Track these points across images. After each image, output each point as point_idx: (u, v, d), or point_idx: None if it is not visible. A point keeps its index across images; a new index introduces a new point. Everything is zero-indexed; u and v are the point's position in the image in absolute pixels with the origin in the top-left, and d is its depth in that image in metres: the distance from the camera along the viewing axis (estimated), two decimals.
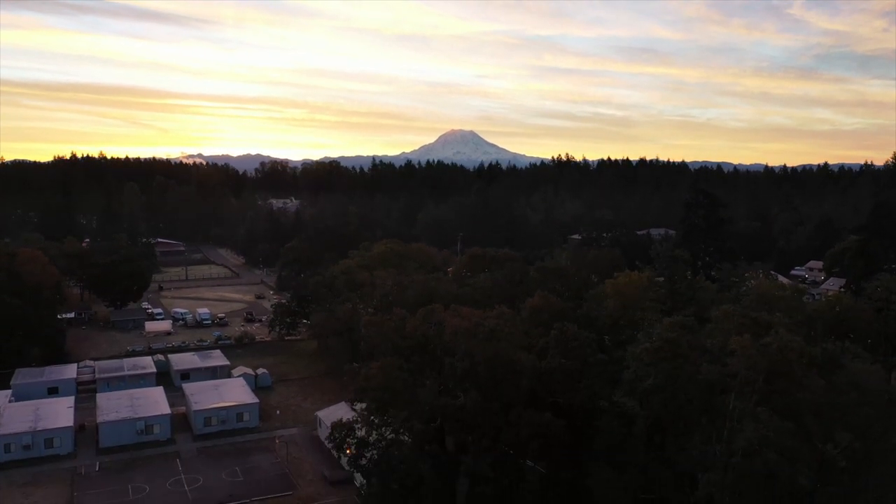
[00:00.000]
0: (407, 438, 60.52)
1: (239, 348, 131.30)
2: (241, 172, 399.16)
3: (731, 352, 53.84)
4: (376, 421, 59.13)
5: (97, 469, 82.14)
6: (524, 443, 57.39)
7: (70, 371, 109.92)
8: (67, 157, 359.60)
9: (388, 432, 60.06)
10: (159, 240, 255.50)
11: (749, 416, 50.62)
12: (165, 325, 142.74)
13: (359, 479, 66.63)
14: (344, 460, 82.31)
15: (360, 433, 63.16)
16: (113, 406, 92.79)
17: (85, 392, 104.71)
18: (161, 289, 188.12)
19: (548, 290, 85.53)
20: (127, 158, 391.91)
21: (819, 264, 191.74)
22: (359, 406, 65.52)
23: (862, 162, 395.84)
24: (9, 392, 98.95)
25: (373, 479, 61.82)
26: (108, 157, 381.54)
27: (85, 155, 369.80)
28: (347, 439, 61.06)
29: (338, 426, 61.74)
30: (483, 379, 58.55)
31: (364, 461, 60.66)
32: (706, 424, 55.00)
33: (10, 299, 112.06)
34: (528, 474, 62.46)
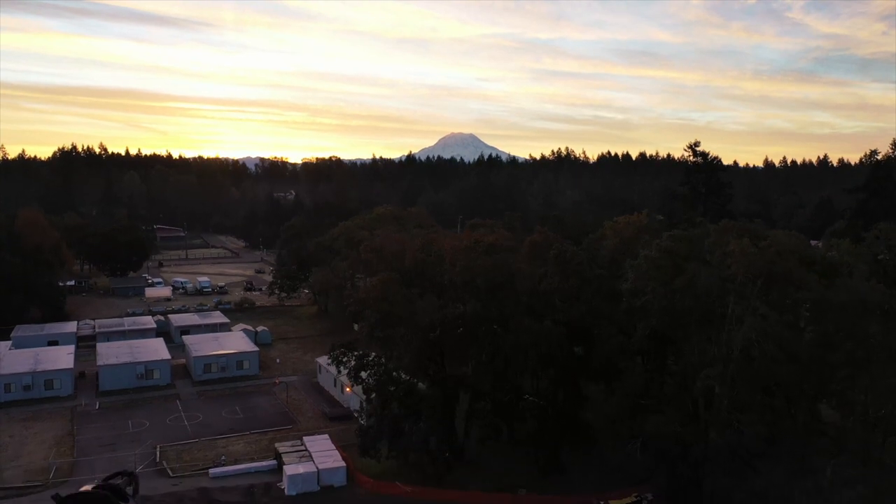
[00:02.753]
0: (407, 356, 60.54)
1: (239, 312, 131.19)
2: (240, 163, 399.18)
3: (729, 253, 53.85)
4: (378, 335, 59.08)
5: (97, 408, 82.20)
6: (524, 352, 57.32)
7: (70, 327, 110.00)
8: (69, 149, 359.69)
9: (387, 349, 60.08)
10: (159, 226, 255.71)
11: (748, 313, 50.62)
12: (165, 291, 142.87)
13: (358, 398, 66.45)
14: (344, 397, 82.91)
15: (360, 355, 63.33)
16: (113, 353, 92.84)
17: (85, 346, 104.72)
18: (161, 265, 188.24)
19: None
20: (127, 151, 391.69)
21: (819, 244, 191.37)
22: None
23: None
24: (9, 343, 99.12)
25: (373, 396, 61.88)
26: (109, 151, 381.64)
27: (86, 146, 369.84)
28: (348, 355, 61.01)
29: (338, 344, 61.71)
30: (482, 290, 58.58)
31: (364, 376, 60.63)
32: (705, 329, 55.01)
33: (9, 257, 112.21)
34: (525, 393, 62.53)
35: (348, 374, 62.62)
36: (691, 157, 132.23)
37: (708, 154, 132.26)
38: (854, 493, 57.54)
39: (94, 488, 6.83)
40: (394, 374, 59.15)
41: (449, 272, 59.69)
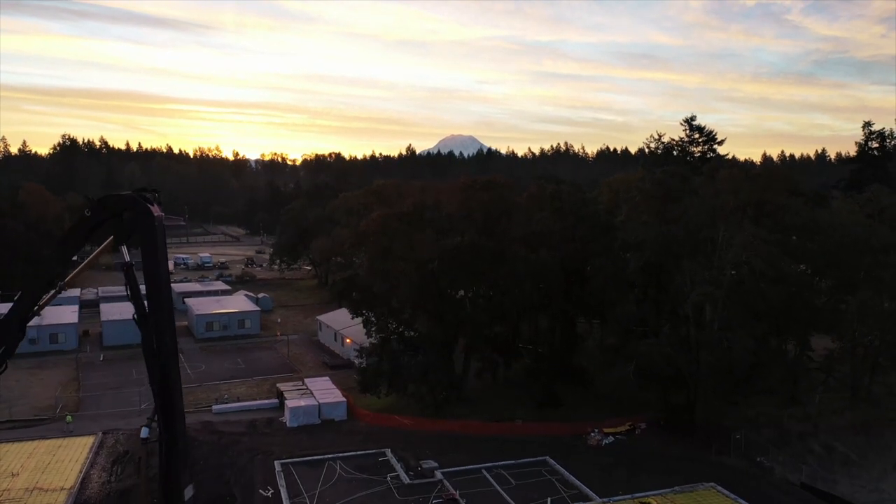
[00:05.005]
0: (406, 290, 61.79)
1: (239, 284, 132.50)
2: (241, 156, 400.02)
3: (720, 180, 55.35)
4: (378, 267, 60.36)
5: (101, 359, 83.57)
6: (520, 284, 58.65)
7: (73, 292, 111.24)
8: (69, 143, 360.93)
9: (387, 282, 61.34)
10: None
11: (738, 234, 52.05)
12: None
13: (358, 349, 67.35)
14: (344, 349, 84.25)
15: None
16: (116, 311, 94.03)
17: (88, 311, 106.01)
18: None
19: None
20: (128, 145, 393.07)
21: None
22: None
23: None
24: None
25: (372, 330, 63.18)
26: (111, 145, 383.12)
27: (87, 139, 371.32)
28: (348, 288, 62.33)
29: (340, 279, 63.05)
30: (479, 223, 59.90)
31: (364, 309, 61.95)
32: (697, 258, 56.42)
33: (13, 225, 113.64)
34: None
35: (350, 306, 63.78)
36: (687, 131, 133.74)
37: (704, 127, 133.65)
38: (843, 420, 59.12)
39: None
40: (394, 304, 60.44)
41: (447, 207, 61.01)
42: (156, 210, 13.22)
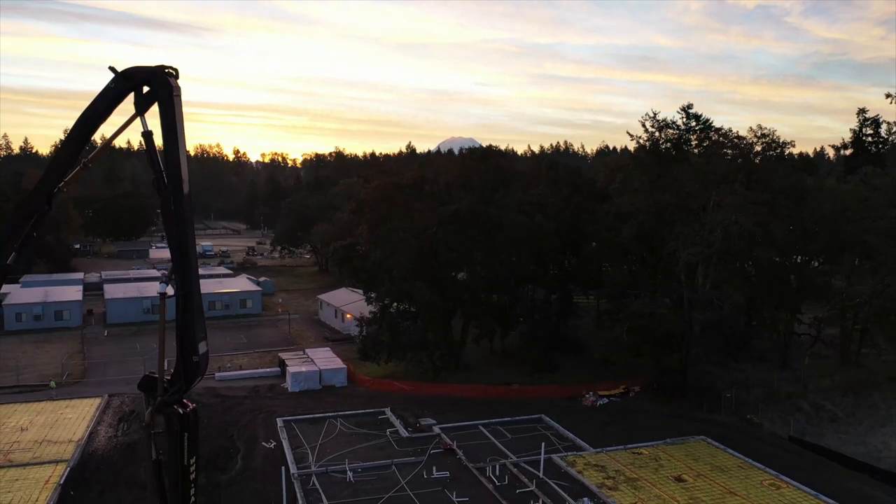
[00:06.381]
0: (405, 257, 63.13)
1: (241, 270, 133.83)
2: (241, 153, 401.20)
3: (712, 144, 56.70)
4: (378, 233, 61.65)
5: (105, 335, 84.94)
6: (517, 248, 60.00)
7: (77, 276, 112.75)
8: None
9: (386, 249, 62.71)
10: (160, 210, 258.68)
11: (728, 196, 53.47)
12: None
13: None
14: (345, 325, 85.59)
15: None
16: (120, 290, 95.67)
17: (92, 294, 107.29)
18: (164, 238, 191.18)
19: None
20: (129, 143, 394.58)
21: None
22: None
23: None
24: (18, 286, 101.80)
25: (372, 297, 64.53)
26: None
27: None
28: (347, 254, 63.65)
29: (340, 246, 64.40)
30: (477, 192, 61.31)
31: (364, 276, 63.32)
32: (689, 223, 57.83)
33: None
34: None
35: (350, 274, 65.08)
36: (684, 119, 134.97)
37: (701, 115, 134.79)
38: (831, 382, 60.49)
39: None
40: (393, 273, 61.79)
41: (445, 177, 62.43)
42: (175, 85, 14.59)
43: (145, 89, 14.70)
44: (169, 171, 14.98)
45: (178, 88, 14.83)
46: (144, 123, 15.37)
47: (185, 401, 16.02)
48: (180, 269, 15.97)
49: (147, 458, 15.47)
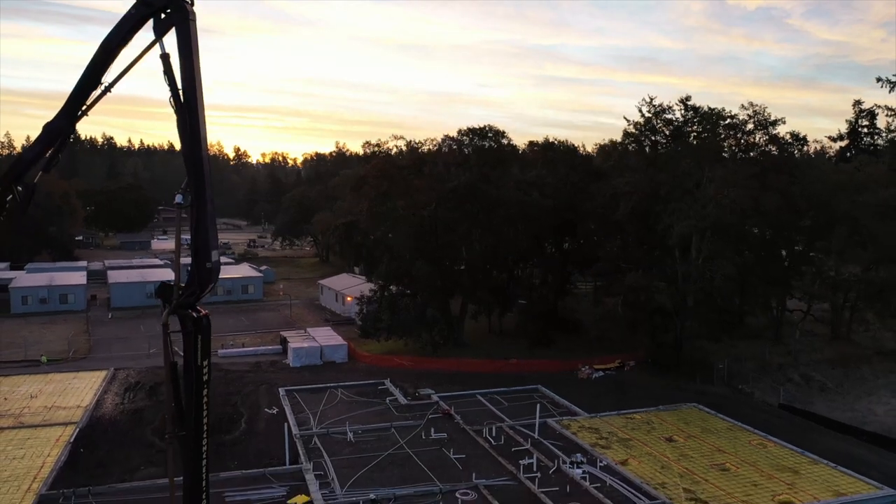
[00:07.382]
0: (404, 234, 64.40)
1: (242, 261, 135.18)
2: (241, 150, 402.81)
3: (705, 121, 58.01)
4: (377, 209, 62.88)
5: (109, 317, 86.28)
6: (514, 226, 61.29)
7: (80, 264, 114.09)
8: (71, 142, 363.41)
9: (386, 226, 63.99)
10: (161, 207, 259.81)
11: (720, 170, 54.78)
12: (172, 244, 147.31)
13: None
14: (345, 307, 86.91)
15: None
16: (123, 275, 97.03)
17: (95, 282, 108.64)
18: (165, 232, 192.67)
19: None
20: (130, 141, 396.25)
21: None
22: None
23: None
24: (23, 272, 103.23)
25: (373, 275, 65.85)
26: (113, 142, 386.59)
27: (89, 136, 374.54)
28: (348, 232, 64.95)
29: (341, 224, 65.68)
30: (475, 170, 62.64)
31: (364, 253, 64.62)
32: (683, 199, 59.14)
33: None
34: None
35: (350, 250, 66.35)
36: (682, 111, 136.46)
37: (700, 108, 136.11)
38: (820, 356, 61.78)
39: None
40: (394, 251, 63.08)
41: (443, 156, 63.77)
42: (191, 10, 15.88)
43: (163, 15, 15.96)
44: (185, 91, 16.13)
45: (194, 14, 16.14)
46: (163, 46, 16.55)
47: (199, 307, 17.40)
48: (195, 184, 17.14)
49: (165, 359, 16.68)
